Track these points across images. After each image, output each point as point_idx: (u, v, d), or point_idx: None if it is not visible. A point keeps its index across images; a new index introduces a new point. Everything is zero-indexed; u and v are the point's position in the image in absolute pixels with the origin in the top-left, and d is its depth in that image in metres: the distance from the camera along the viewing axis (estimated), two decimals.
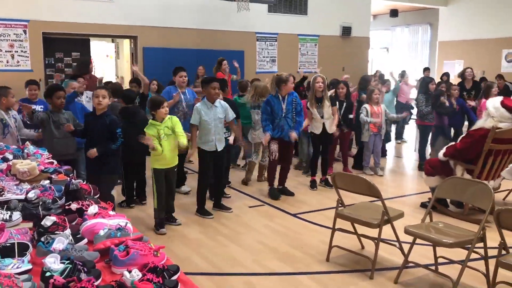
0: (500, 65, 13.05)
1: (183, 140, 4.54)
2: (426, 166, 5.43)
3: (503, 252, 3.02)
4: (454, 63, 14.40)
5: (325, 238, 4.25)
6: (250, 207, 5.58)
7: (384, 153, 8.34)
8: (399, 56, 17.29)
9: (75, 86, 5.71)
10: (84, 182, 3.13)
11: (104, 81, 7.85)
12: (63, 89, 5.05)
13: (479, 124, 5.10)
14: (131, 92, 6.06)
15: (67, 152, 4.77)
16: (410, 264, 3.69)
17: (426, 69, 12.03)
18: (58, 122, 4.75)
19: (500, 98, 5.16)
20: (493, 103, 5.03)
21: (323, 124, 6.21)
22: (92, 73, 8.00)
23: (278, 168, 6.04)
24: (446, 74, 10.92)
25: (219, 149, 5.14)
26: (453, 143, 5.40)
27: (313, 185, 6.35)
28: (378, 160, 7.23)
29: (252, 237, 4.63)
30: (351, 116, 6.91)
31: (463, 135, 5.42)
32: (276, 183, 6.02)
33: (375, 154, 7.17)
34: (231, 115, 5.25)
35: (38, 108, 5.35)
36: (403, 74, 10.47)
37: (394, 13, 15.95)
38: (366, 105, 6.97)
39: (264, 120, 5.74)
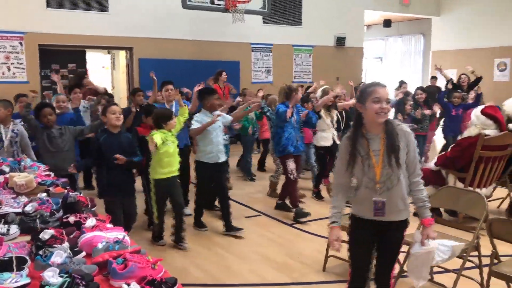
0: (493, 74, 13.20)
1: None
2: None
3: (495, 261, 3.06)
4: (447, 72, 14.51)
5: (322, 247, 4.27)
6: (246, 217, 5.60)
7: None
8: (393, 66, 17.44)
9: (59, 99, 5.55)
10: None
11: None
12: (50, 106, 4.78)
13: (466, 133, 5.27)
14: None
15: (63, 167, 4.42)
16: (405, 273, 3.71)
17: (433, 78, 12.20)
18: (50, 135, 4.57)
19: (482, 106, 5.40)
20: (475, 111, 5.25)
21: (332, 134, 6.25)
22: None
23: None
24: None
25: (220, 161, 5.05)
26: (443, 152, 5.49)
27: (319, 196, 6.36)
28: None
29: (248, 247, 4.64)
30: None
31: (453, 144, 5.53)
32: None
33: None
34: (227, 117, 5.27)
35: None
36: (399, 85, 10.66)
37: (387, 23, 16.11)
38: None
39: (285, 138, 5.44)
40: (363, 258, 2.71)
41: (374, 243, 2.68)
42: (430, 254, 2.75)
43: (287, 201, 5.78)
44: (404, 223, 2.64)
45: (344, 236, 4.01)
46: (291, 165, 5.49)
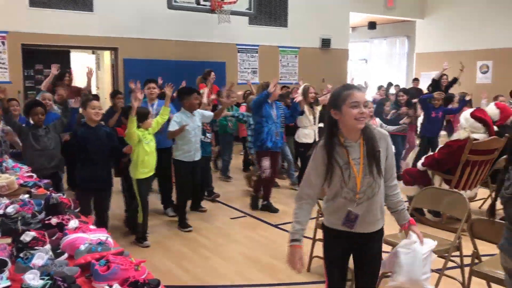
0: (475, 76, 13.42)
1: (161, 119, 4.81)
2: (404, 175, 5.53)
3: (476, 261, 3.11)
4: (431, 74, 14.73)
5: (306, 248, 4.26)
6: (232, 218, 5.60)
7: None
8: (377, 68, 17.60)
9: (45, 97, 5.55)
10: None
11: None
12: (41, 105, 4.76)
13: (455, 135, 5.30)
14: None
15: (49, 165, 4.52)
16: (389, 273, 3.74)
17: (415, 80, 12.43)
18: (36, 134, 4.54)
19: (471, 109, 5.42)
20: (464, 114, 5.28)
21: (314, 132, 6.32)
22: (72, 84, 7.92)
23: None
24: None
25: (196, 159, 5.19)
26: (431, 153, 5.53)
27: None
28: None
29: (234, 248, 4.64)
30: None
31: (441, 145, 5.57)
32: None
33: None
34: (208, 114, 5.40)
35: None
36: (380, 87, 10.79)
37: (372, 25, 16.25)
38: None
39: (265, 133, 5.53)
40: (340, 277, 2.62)
41: (349, 256, 2.56)
42: (431, 252, 2.70)
43: (271, 201, 5.90)
44: (381, 232, 2.52)
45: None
46: (265, 163, 5.61)
